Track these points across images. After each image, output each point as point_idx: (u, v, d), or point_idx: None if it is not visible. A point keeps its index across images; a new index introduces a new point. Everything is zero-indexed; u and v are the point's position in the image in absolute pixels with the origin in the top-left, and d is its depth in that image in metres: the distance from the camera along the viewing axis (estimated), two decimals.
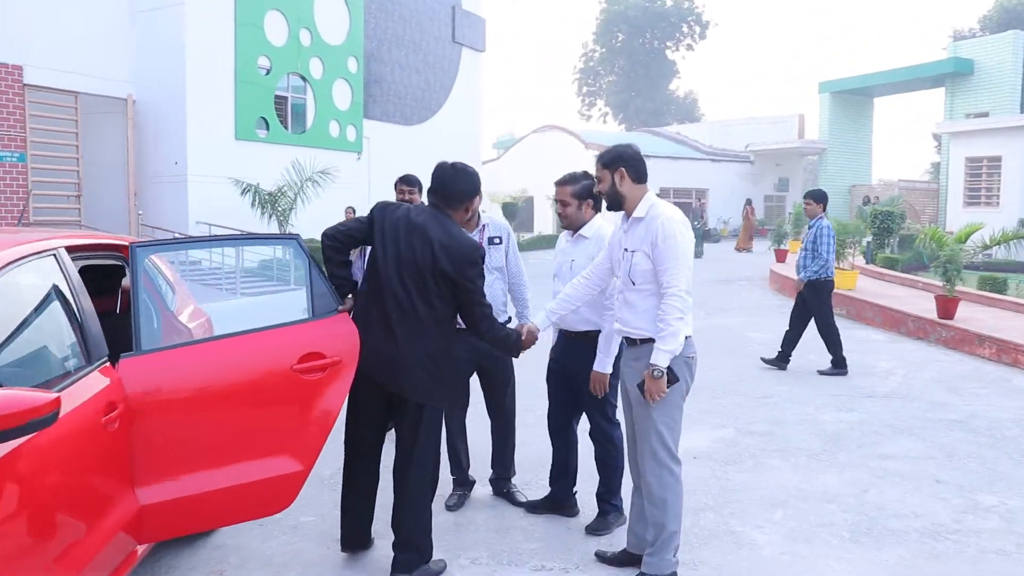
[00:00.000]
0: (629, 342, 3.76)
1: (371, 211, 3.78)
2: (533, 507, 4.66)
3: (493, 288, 4.59)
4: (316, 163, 18.60)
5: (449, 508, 4.70)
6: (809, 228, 8.70)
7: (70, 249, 3.46)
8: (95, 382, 3.12)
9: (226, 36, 18.90)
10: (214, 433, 3.46)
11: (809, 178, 43.14)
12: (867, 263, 16.80)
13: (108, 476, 3.16)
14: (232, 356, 3.54)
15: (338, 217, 21.54)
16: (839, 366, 8.43)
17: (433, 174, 3.84)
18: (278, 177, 18.15)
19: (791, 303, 8.76)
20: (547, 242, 30.66)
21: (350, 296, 3.81)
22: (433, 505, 3.99)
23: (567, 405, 4.53)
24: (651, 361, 3.50)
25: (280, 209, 18.07)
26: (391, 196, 5.14)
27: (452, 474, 4.91)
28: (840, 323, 8.70)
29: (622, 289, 3.75)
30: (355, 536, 4.00)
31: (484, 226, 4.75)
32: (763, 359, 8.78)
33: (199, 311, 4.65)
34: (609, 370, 4.19)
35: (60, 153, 17.20)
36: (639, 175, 3.67)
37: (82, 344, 3.24)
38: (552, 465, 4.66)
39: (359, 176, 23.22)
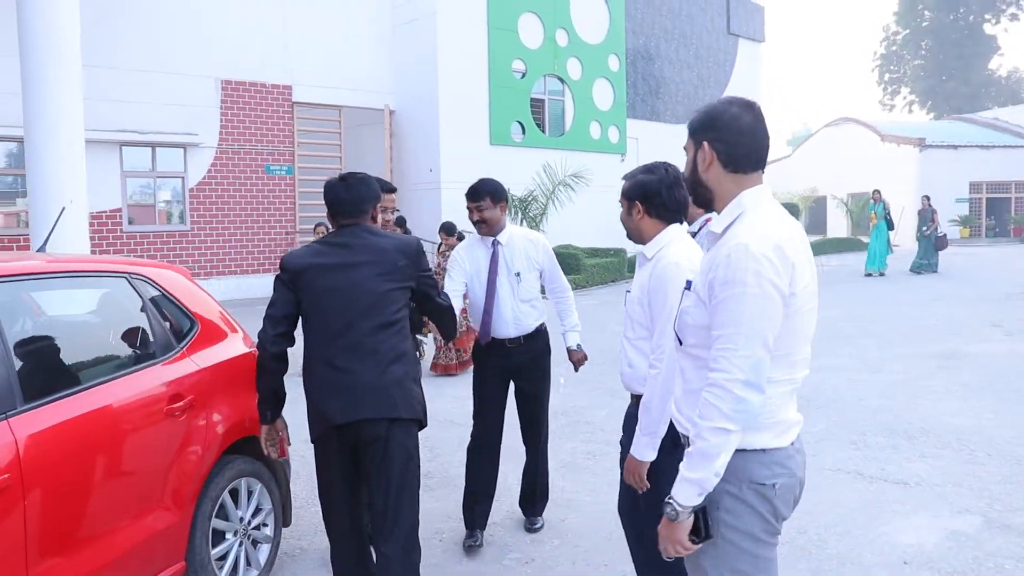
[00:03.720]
0: (680, 434, 2.36)
1: (285, 279, 3.23)
2: None
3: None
4: (573, 166, 18.02)
5: None
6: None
7: None
8: None
9: (479, 42, 18.81)
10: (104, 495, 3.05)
11: None
12: None
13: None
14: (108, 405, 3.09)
15: (594, 222, 20.92)
16: None
17: (325, 197, 3.36)
18: (531, 182, 17.80)
19: None
20: (834, 246, 28.04)
21: None
22: None
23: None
24: (671, 494, 2.12)
25: (531, 215, 17.70)
26: None
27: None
28: None
29: (675, 347, 2.41)
30: None
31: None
32: None
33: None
34: (648, 456, 2.84)
35: (324, 165, 17.97)
36: (737, 159, 2.20)
37: None
38: None
39: None
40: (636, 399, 3.19)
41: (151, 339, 3.48)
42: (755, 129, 2.20)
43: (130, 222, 15.34)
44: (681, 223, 3.11)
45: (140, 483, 3.21)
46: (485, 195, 4.39)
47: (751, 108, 2.22)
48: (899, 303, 14.08)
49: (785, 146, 49.74)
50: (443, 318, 3.62)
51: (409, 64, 18.57)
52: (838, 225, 34.95)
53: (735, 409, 2.02)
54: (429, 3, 18.03)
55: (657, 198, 3.03)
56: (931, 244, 19.74)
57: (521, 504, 4.77)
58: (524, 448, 4.69)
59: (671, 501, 2.11)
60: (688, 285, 2.30)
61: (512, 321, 4.41)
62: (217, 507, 3.59)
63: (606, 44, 22.00)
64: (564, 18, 20.61)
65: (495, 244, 4.48)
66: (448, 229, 9.69)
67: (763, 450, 2.15)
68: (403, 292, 3.25)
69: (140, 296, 3.51)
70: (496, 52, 19.12)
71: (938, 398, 7.33)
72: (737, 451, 2.11)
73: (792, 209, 30.61)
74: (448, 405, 7.63)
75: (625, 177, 3.16)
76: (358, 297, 3.14)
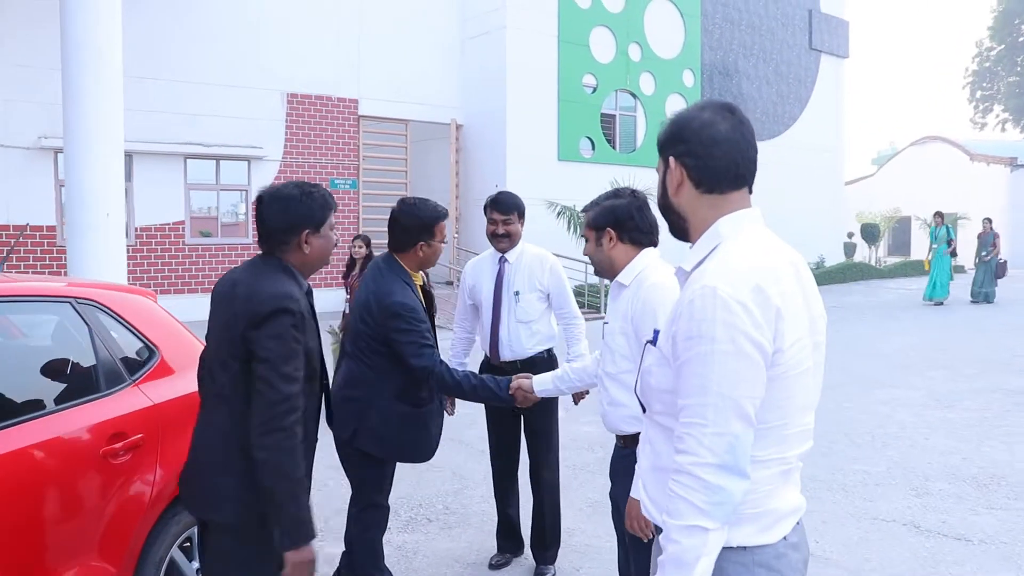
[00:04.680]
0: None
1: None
2: None
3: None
4: (642, 183, 17.52)
5: None
6: None
7: None
8: None
9: (550, 56, 18.53)
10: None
11: None
12: None
13: None
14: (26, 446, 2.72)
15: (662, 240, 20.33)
16: None
17: None
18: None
19: None
20: (915, 268, 26.89)
21: None
22: None
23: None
24: None
25: None
26: None
27: None
28: None
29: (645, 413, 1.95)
30: None
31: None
32: None
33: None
34: None
35: (389, 179, 17.85)
36: (712, 176, 1.76)
37: None
38: None
39: None
40: (623, 440, 2.86)
41: (93, 370, 3.11)
42: (733, 138, 1.76)
43: (193, 234, 15.48)
44: (655, 247, 2.88)
45: (64, 533, 2.82)
46: (514, 209, 4.17)
47: (729, 113, 1.78)
48: (979, 331, 13.21)
49: (869, 165, 48.30)
50: (254, 427, 2.34)
51: (477, 78, 18.41)
52: (922, 247, 33.57)
53: (710, 501, 1.57)
54: (499, 17, 17.85)
55: (630, 221, 2.83)
56: (991, 271, 18.19)
57: (532, 548, 4.40)
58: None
59: None
60: (653, 339, 1.88)
61: (506, 342, 4.14)
62: (168, 561, 3.18)
63: (681, 59, 21.49)
64: (638, 32, 20.19)
65: (502, 261, 4.23)
66: (366, 240, 8.73)
67: (743, 548, 1.68)
68: (230, 365, 2.42)
69: (86, 323, 3.14)
70: (566, 67, 18.81)
71: (1015, 440, 6.66)
72: None
73: (873, 229, 29.43)
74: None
75: (586, 208, 2.91)
76: (204, 355, 2.61)
